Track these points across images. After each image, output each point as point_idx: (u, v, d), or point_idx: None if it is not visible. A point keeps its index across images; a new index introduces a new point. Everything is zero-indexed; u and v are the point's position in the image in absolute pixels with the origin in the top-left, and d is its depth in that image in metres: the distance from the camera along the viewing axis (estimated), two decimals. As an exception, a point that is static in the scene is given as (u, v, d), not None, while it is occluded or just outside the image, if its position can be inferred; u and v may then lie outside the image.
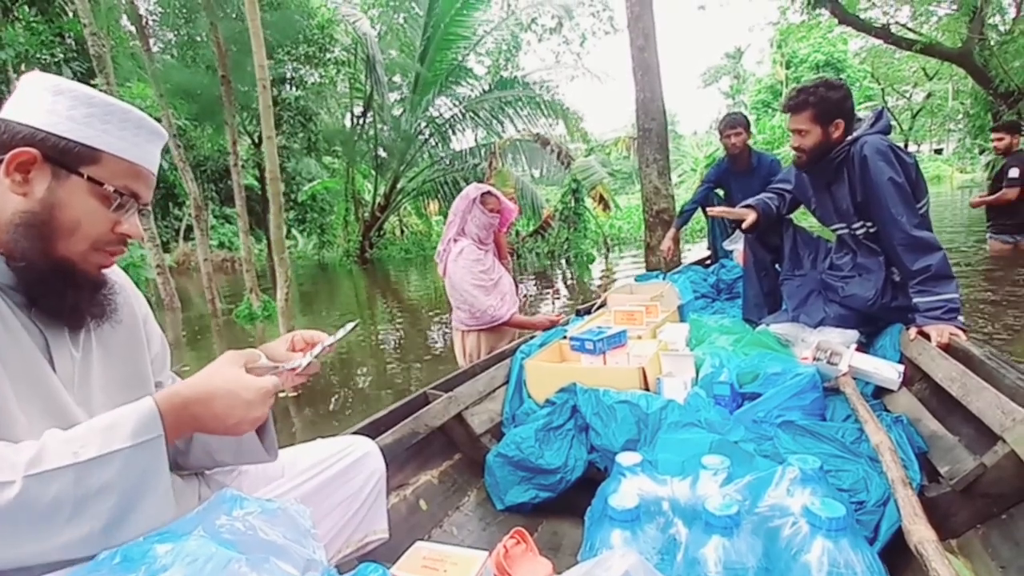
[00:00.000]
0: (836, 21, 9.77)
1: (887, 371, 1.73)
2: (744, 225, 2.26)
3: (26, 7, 9.85)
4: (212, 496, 0.71)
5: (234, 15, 8.41)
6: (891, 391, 1.74)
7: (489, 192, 2.57)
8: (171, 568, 0.49)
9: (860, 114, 2.07)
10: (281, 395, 0.85)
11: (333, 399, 3.65)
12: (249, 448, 0.92)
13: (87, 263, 0.80)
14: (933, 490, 1.34)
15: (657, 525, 1.05)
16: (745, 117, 3.38)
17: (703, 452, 1.26)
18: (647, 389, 1.79)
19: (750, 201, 2.28)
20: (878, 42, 11.42)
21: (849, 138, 1.95)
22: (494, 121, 11.91)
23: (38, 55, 9.43)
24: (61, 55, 9.97)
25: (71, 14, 9.59)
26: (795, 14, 9.35)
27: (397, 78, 12.63)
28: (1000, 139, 4.85)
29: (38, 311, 0.78)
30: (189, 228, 13.71)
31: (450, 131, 12.59)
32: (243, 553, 0.55)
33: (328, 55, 11.69)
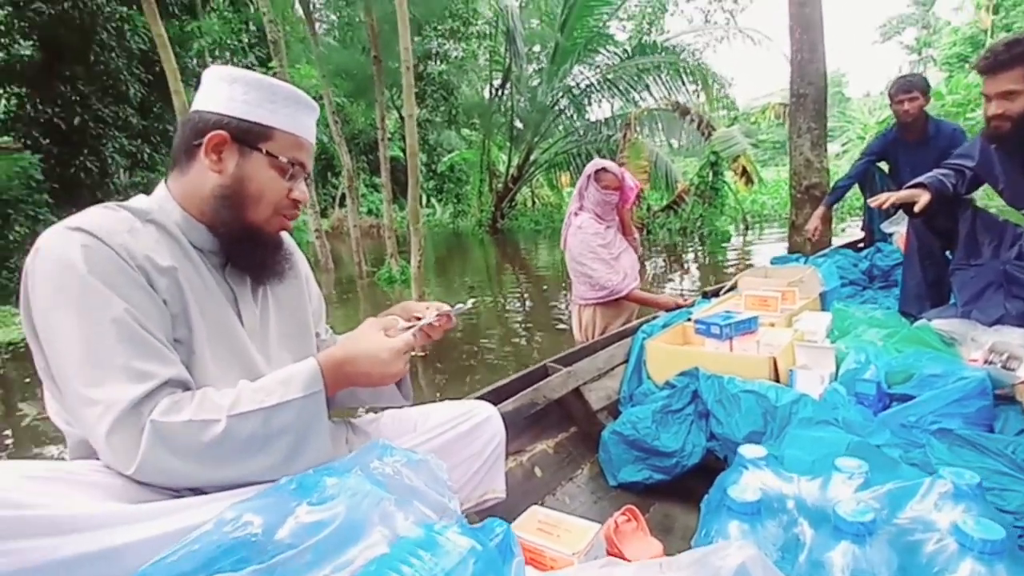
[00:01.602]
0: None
1: (1084, 384, 1.45)
2: (916, 208, 1.94)
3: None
4: (361, 442, 0.85)
5: (385, -8, 8.98)
6: (1086, 408, 1.46)
7: (604, 169, 2.55)
8: (337, 498, 0.59)
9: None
10: (412, 354, 0.98)
11: (459, 362, 3.90)
12: (388, 393, 1.09)
13: (270, 226, 0.93)
14: None
15: (779, 522, 1.00)
16: (924, 80, 2.90)
17: (838, 453, 1.17)
18: (778, 381, 1.68)
19: (921, 179, 1.97)
20: None
21: None
22: (632, 89, 11.49)
23: (228, 42, 10.88)
24: (246, 41, 11.40)
25: (254, 4, 10.87)
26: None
27: (536, 48, 12.66)
28: None
29: (231, 270, 0.93)
30: (344, 196, 15.17)
31: (586, 101, 12.40)
32: (391, 493, 0.65)
33: (471, 28, 12.05)
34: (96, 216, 0.80)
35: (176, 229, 0.87)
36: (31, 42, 8.26)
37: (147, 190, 0.92)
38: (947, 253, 2.06)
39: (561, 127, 13.07)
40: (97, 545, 0.62)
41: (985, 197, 2.10)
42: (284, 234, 1.01)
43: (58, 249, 0.75)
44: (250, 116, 0.88)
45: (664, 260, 7.58)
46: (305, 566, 0.52)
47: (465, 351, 4.18)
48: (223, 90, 0.89)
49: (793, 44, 4.83)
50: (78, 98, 9.26)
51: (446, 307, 1.02)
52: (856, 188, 3.44)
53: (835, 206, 3.72)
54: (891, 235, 2.77)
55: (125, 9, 9.34)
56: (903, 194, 1.99)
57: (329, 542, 0.53)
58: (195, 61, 10.73)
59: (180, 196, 0.89)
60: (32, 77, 8.73)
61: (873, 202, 2.10)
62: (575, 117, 12.72)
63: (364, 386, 0.94)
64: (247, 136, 0.88)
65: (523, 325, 4.99)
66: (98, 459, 0.76)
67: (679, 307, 2.46)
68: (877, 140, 3.25)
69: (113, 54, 9.38)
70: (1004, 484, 1.19)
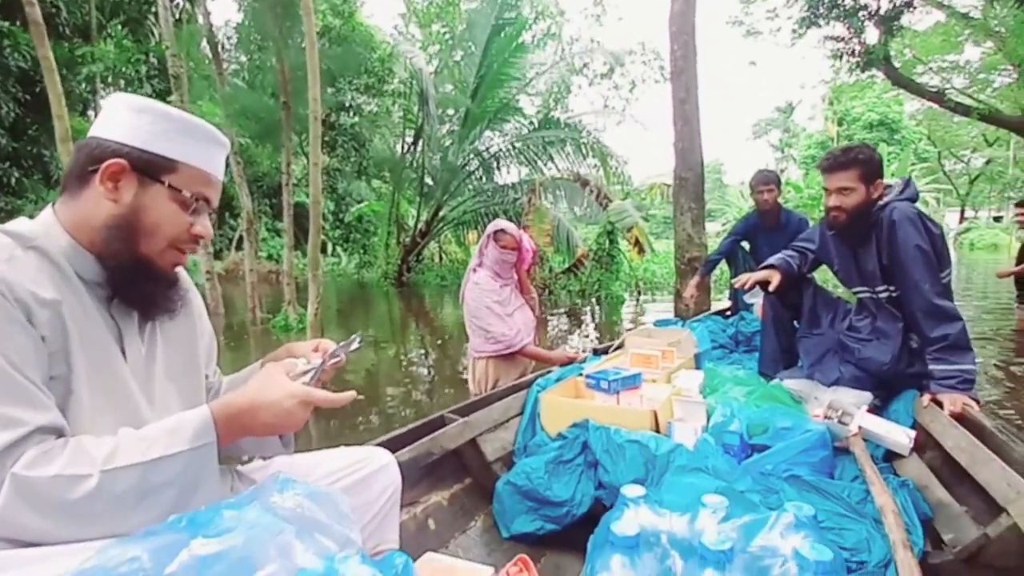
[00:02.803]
0: (890, 83, 9.74)
1: (898, 435, 1.73)
2: (770, 287, 2.27)
3: (119, 26, 10.78)
4: (263, 480, 0.81)
5: (301, 43, 9.02)
6: (902, 456, 1.73)
7: (503, 230, 2.68)
8: (235, 530, 0.58)
9: (889, 181, 2.11)
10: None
11: (356, 414, 3.76)
12: (269, 443, 1.04)
13: (164, 260, 0.90)
14: (936, 557, 1.34)
15: (655, 555, 1.08)
16: (777, 175, 3.45)
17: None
18: (658, 432, 1.82)
19: (772, 260, 2.31)
20: (935, 104, 11.34)
21: (880, 203, 1.99)
22: (538, 159, 12.19)
23: (124, 70, 10.26)
24: (144, 72, 10.81)
25: (157, 35, 10.42)
26: (847, 74, 9.39)
27: (450, 111, 13.13)
28: (1021, 214, 5.37)
29: (118, 304, 0.88)
30: (241, 239, 14.35)
31: (495, 165, 12.91)
32: (292, 526, 0.65)
33: (386, 86, 12.30)
34: None
35: (61, 258, 0.82)
36: None
37: (10, 217, 0.86)
38: (796, 323, 2.39)
39: (470, 187, 13.44)
40: None
41: (823, 276, 2.47)
42: (180, 269, 0.97)
43: None
44: (153, 148, 0.85)
45: (567, 320, 7.88)
46: None
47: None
48: (127, 118, 0.86)
49: (676, 134, 5.45)
50: (-66, 112, 8.26)
51: (333, 345, 0.99)
52: (724, 262, 3.93)
53: (707, 276, 4.21)
54: (752, 305, 3.17)
55: (7, 24, 8.58)
56: (760, 275, 2.30)
57: (228, 572, 0.53)
58: (84, 86, 9.98)
59: (69, 223, 0.85)
60: None
61: (736, 283, 2.47)
62: (484, 179, 13.16)
63: (260, 436, 0.88)
64: (148, 167, 0.85)
65: (425, 377, 4.94)
66: None
67: (571, 361, 2.58)
68: (740, 223, 3.76)
69: (-15, 69, 8.53)
70: (842, 524, 1.37)
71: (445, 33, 15.05)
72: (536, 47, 13.21)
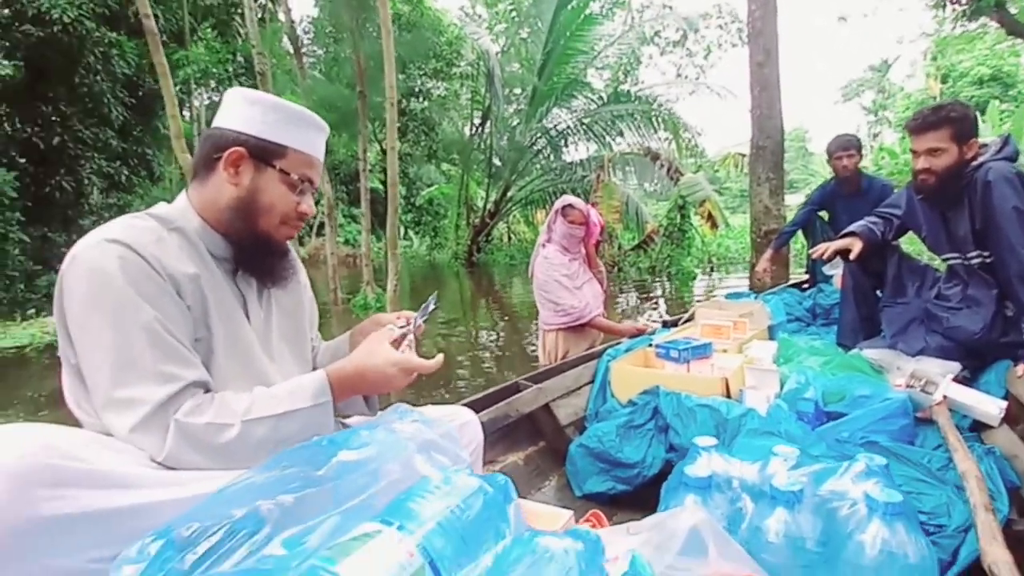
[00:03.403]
0: (1004, 32, 8.74)
1: (987, 405, 1.67)
2: (851, 255, 2.19)
3: (209, 29, 11.55)
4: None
5: (375, 33, 9.33)
6: (991, 427, 1.68)
7: (571, 205, 2.73)
8: (369, 445, 0.71)
9: (985, 140, 1.99)
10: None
11: (430, 383, 3.97)
12: (357, 403, 1.15)
13: (279, 234, 1.00)
14: (1021, 524, 1.31)
15: (727, 497, 1.14)
16: (858, 139, 3.25)
17: (779, 460, 1.32)
18: (729, 399, 1.82)
19: (853, 227, 2.23)
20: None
21: (974, 163, 1.88)
22: (607, 134, 11.99)
23: (214, 71, 11.03)
24: (232, 71, 11.56)
25: (243, 35, 11.09)
26: (952, 24, 8.49)
27: (517, 90, 13.13)
28: None
29: (241, 276, 1.00)
30: (322, 225, 15.18)
31: (563, 143, 12.85)
32: (413, 443, 0.77)
33: (454, 69, 12.48)
34: (128, 227, 0.87)
35: (196, 236, 0.94)
36: (14, 61, 8.27)
37: (122, 211, 0.99)
38: (878, 292, 2.30)
39: (538, 166, 13.46)
40: (135, 500, 0.70)
41: (910, 243, 2.35)
42: (289, 244, 1.08)
43: (95, 260, 0.82)
44: (266, 135, 0.94)
45: (635, 296, 7.84)
46: (349, 493, 0.64)
47: (436, 374, 4.25)
48: (243, 110, 0.95)
49: (753, 100, 5.23)
50: (59, 118, 9.21)
51: (413, 314, 1.10)
52: (800, 234, 3.76)
53: (781, 249, 4.03)
54: (831, 276, 3.05)
55: (114, 35, 9.44)
56: (840, 243, 2.22)
57: (369, 475, 0.66)
58: (180, 88, 10.83)
59: (199, 206, 0.96)
60: (12, 95, 8.69)
61: (815, 253, 2.37)
62: (552, 157, 13.14)
63: (369, 394, 1.04)
64: (263, 153, 0.94)
65: (494, 352, 5.11)
66: None
67: (640, 333, 2.62)
68: (817, 192, 3.57)
69: (98, 77, 9.41)
70: (921, 489, 1.35)
71: (512, 11, 15.00)
72: (604, 17, 12.86)
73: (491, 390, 1.88)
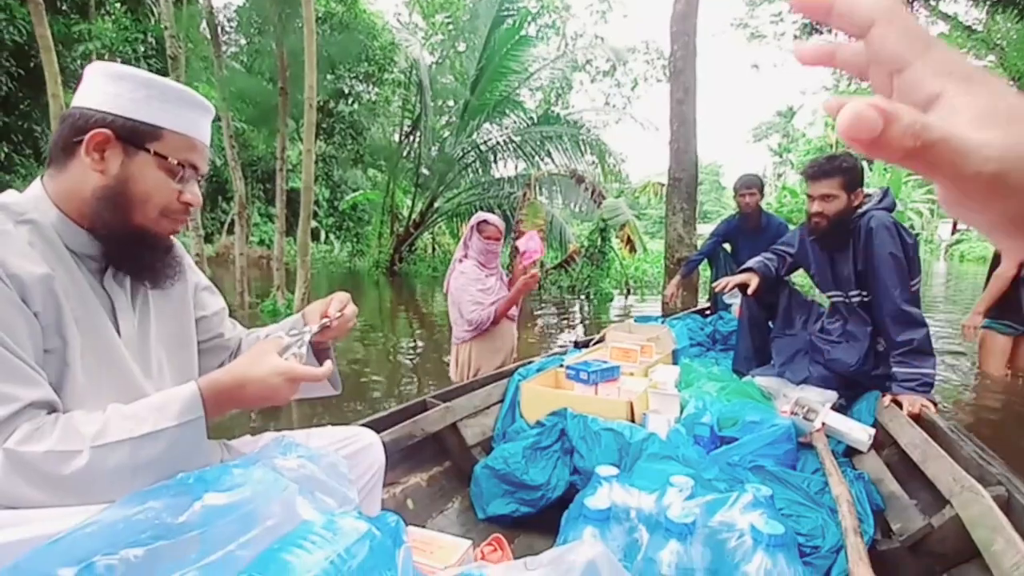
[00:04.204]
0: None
1: (858, 432, 1.83)
2: (748, 291, 2.35)
3: (118, 4, 10.67)
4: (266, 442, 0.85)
5: (301, 28, 8.99)
6: (861, 452, 1.83)
7: (486, 220, 2.75)
8: (244, 485, 0.63)
9: (869, 191, 2.19)
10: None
11: (341, 399, 3.82)
12: (319, 385, 1.06)
13: (159, 228, 0.90)
14: (884, 544, 1.43)
15: (624, 528, 1.16)
16: (760, 179, 3.53)
17: (676, 482, 1.37)
18: (633, 422, 1.88)
19: (751, 263, 2.40)
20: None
21: (859, 211, 2.06)
22: (536, 154, 12.22)
23: (121, 49, 10.18)
24: (141, 51, 10.73)
25: (156, 15, 10.34)
26: (847, 82, 9.41)
27: (450, 102, 13.10)
28: None
29: (109, 276, 0.88)
30: (233, 222, 14.30)
31: (492, 158, 12.93)
32: (295, 483, 0.69)
33: (386, 75, 12.26)
34: None
35: (52, 231, 0.82)
36: None
37: None
38: (770, 323, 2.48)
39: (467, 179, 13.44)
40: None
41: (799, 279, 2.57)
42: (174, 239, 0.98)
43: None
44: (137, 115, 0.84)
45: (555, 314, 7.97)
46: (213, 544, 0.56)
47: (349, 386, 4.10)
48: (108, 86, 0.84)
49: (672, 134, 5.52)
50: (-75, 83, 8.18)
51: (344, 303, 1.07)
52: (707, 263, 4.03)
53: (687, 277, 4.31)
54: (731, 305, 3.28)
55: (3, -2, 8.52)
56: (739, 279, 2.40)
57: (237, 522, 0.58)
58: (80, 64, 9.89)
59: (57, 196, 0.84)
60: None
61: (716, 287, 2.58)
62: (480, 172, 13.17)
63: (251, 407, 0.93)
64: (133, 135, 0.84)
65: (411, 365, 5.01)
66: None
67: (532, 279, 2.57)
68: (722, 225, 3.84)
69: (-21, 42, 8.45)
70: (800, 512, 1.45)
71: (448, 23, 15.01)
72: (539, 40, 13.16)
73: (396, 408, 1.84)
